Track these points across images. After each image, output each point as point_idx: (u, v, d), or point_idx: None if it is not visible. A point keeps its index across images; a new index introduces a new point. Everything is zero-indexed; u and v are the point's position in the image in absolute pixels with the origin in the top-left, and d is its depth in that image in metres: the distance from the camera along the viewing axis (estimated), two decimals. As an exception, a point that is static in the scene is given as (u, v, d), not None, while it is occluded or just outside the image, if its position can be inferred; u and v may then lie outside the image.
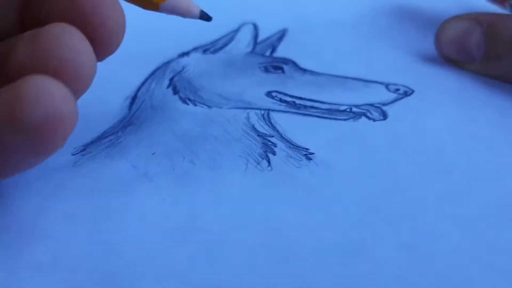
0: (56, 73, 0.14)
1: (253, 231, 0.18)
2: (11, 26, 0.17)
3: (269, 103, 0.24)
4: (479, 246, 0.17)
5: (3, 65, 0.15)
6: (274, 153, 0.21)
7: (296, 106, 0.24)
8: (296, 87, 0.25)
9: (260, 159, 0.21)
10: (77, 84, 0.15)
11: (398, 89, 0.25)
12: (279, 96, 0.24)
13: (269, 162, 0.20)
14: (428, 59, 0.27)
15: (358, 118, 0.23)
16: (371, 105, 0.24)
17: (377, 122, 0.23)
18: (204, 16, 0.21)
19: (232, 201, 0.19)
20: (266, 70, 0.26)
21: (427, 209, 0.19)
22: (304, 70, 0.26)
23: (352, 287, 0.16)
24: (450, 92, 0.25)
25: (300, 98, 0.24)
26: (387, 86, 0.25)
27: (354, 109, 0.23)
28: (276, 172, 0.20)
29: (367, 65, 0.27)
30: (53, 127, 0.13)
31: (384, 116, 0.23)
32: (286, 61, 0.27)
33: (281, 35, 0.29)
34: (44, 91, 0.13)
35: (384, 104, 0.24)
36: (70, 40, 0.14)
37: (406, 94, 0.24)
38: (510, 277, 0.16)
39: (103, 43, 0.16)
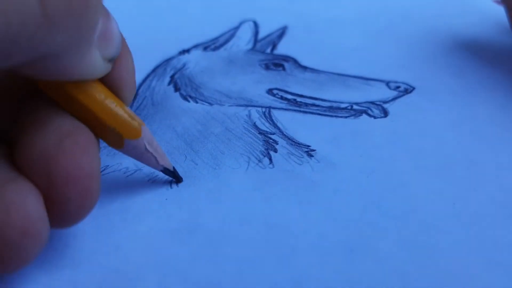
0: (5, 239, 0.14)
1: (255, 228, 0.18)
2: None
3: (270, 100, 0.24)
4: (480, 242, 0.17)
5: None
6: (275, 151, 0.21)
7: (297, 103, 0.24)
8: (297, 85, 0.25)
9: (261, 156, 0.21)
10: (26, 248, 0.14)
11: (398, 87, 0.25)
12: (280, 93, 0.24)
13: (270, 159, 0.20)
14: (429, 56, 0.27)
15: (359, 116, 0.23)
16: (372, 102, 0.24)
17: (378, 119, 0.23)
18: (176, 175, 0.19)
19: (234, 199, 0.19)
20: (267, 67, 0.26)
21: (428, 205, 0.19)
22: (305, 68, 0.26)
23: (354, 283, 0.16)
24: (451, 89, 0.25)
25: (301, 96, 0.24)
26: (387, 83, 0.25)
27: (355, 107, 0.23)
28: (277, 169, 0.20)
29: (367, 62, 0.27)
30: None
31: (385, 113, 0.23)
32: (286, 58, 0.27)
33: (282, 32, 0.29)
34: None
35: (385, 102, 0.24)
36: (22, 211, 0.14)
37: (407, 91, 0.24)
38: (510, 272, 0.16)
39: (62, 216, 0.15)
